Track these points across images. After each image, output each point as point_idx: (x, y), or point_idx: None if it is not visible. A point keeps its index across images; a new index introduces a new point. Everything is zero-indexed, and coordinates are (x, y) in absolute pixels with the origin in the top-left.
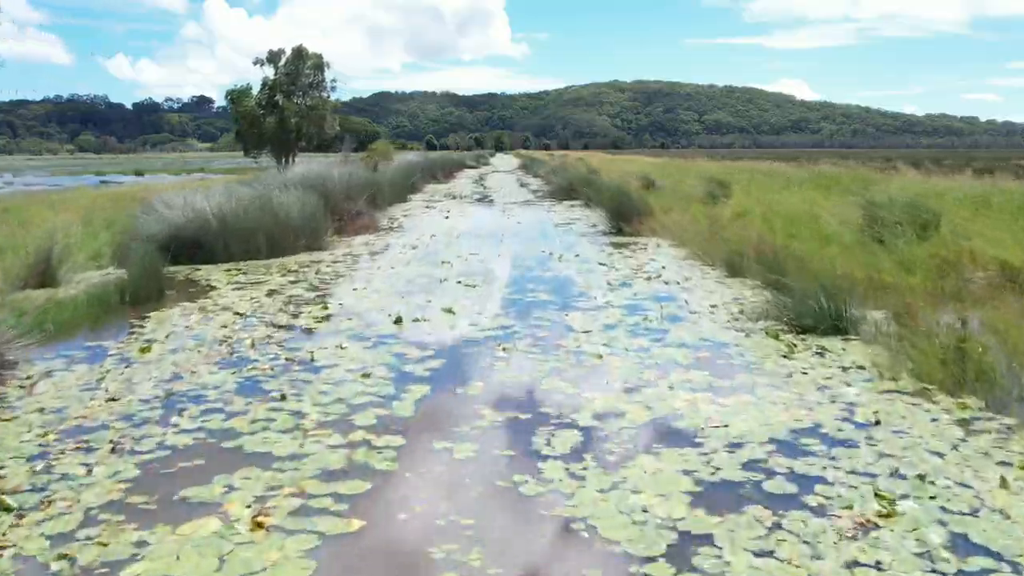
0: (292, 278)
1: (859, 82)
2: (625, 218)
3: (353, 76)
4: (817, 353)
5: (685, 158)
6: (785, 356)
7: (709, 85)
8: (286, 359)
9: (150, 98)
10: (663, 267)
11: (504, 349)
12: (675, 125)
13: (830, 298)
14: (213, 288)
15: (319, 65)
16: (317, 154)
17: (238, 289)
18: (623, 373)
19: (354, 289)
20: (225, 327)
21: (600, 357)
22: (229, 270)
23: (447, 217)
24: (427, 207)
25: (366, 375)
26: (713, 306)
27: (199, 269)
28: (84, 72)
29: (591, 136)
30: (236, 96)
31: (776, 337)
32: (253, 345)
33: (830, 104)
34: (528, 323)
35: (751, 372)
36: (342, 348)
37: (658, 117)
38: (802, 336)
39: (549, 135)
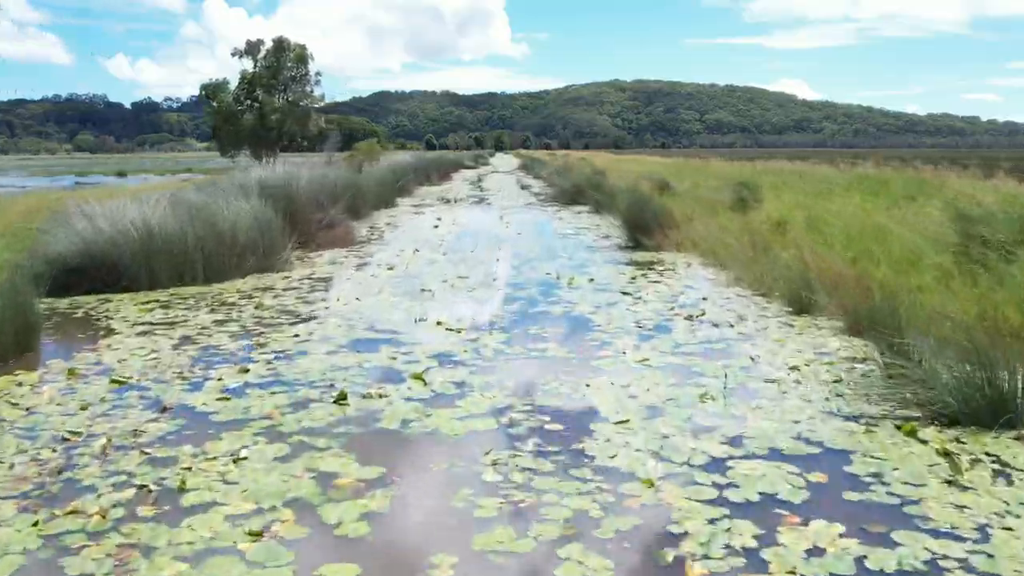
0: (222, 315)
1: (859, 82)
2: (644, 229)
3: (353, 76)
4: (999, 474)
5: (694, 158)
6: (950, 482)
7: (710, 84)
8: (139, 486)
9: (149, 98)
10: (704, 298)
11: (494, 463)
12: (676, 125)
13: (982, 365)
14: (110, 333)
15: (302, 57)
16: (301, 154)
17: (142, 334)
18: (695, 532)
19: (295, 336)
20: (84, 409)
21: (651, 484)
22: (147, 303)
23: (437, 226)
24: (416, 213)
25: (254, 534)
26: (794, 369)
27: (109, 301)
28: (84, 72)
29: (592, 136)
30: (211, 91)
31: (912, 434)
32: (104, 452)
33: (832, 104)
34: (533, 401)
35: (914, 527)
36: (237, 460)
37: (659, 117)
38: (953, 433)
39: (549, 135)
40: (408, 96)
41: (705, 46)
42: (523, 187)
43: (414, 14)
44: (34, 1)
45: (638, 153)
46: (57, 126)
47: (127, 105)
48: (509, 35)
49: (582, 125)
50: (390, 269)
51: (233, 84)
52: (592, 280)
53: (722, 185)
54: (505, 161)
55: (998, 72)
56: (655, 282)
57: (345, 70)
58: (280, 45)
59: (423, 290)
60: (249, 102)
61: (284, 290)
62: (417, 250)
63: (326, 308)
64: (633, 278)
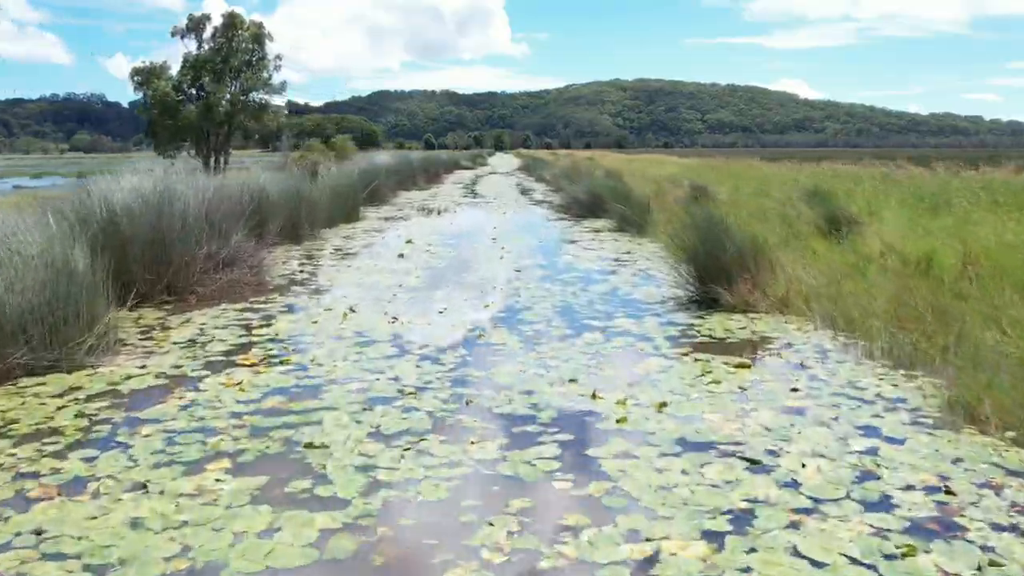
0: None
1: (859, 82)
2: (719, 272)
3: (353, 75)
4: None
5: (707, 157)
6: None
7: (711, 84)
8: None
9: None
10: (943, 487)
11: None
12: (678, 124)
13: None
14: None
15: (259, 37)
16: (262, 153)
17: None
18: None
19: None
20: None
21: None
22: None
23: (402, 254)
24: (382, 232)
25: None
26: None
27: None
28: (83, 72)
29: (593, 135)
30: (144, 77)
31: None
32: None
33: (834, 103)
34: None
35: None
36: None
37: (660, 116)
38: None
39: (550, 134)
40: (408, 95)
41: (705, 46)
42: (524, 191)
43: (414, 14)
44: (34, 1)
45: (643, 152)
46: (55, 125)
47: (125, 104)
48: (509, 35)
49: (583, 124)
50: (283, 363)
51: (175, 69)
52: (664, 405)
53: (776, 193)
54: (505, 161)
55: (998, 72)
56: (789, 411)
57: (345, 70)
58: (231, 22)
59: (309, 446)
60: (194, 91)
61: (38, 428)
62: (353, 309)
63: (56, 516)
64: (734, 394)
